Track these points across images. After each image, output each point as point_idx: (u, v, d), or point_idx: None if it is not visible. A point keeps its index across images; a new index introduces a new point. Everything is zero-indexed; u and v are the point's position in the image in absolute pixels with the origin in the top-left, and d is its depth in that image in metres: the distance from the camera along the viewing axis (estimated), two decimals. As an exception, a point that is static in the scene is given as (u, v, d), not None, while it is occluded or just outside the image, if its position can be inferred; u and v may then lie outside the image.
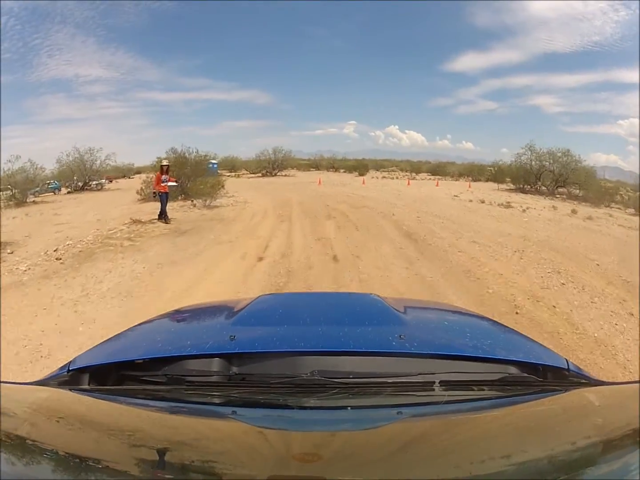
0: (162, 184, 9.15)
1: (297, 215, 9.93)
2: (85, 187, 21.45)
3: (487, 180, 26.91)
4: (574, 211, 12.44)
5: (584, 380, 0.91)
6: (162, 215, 9.00)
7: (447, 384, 0.81)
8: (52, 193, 21.37)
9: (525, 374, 0.88)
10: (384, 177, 31.00)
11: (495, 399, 0.82)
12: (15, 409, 0.73)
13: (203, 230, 7.87)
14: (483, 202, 13.12)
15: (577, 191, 18.47)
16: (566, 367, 0.91)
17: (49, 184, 22.37)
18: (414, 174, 36.19)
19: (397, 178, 30.09)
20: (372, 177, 28.43)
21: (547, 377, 0.90)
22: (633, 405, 0.73)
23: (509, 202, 12.94)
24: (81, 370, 0.88)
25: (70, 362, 0.91)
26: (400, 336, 0.88)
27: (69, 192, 21.25)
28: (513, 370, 0.88)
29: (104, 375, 0.88)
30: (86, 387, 0.86)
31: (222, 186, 13.63)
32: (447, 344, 0.93)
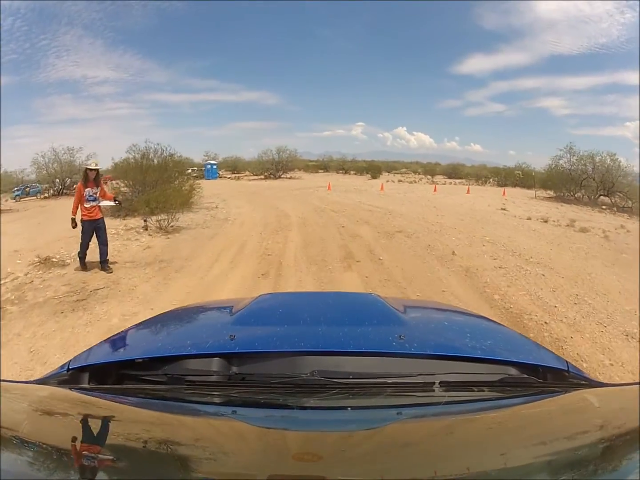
0: (86, 205, 4.96)
1: (294, 255, 6.04)
2: (65, 192, 18.92)
3: (515, 185, 24.35)
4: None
5: (583, 382, 0.91)
6: (82, 258, 5.25)
7: (447, 385, 0.81)
8: (35, 197, 19.55)
9: (525, 375, 0.88)
10: (399, 180, 28.21)
11: (495, 399, 0.82)
12: (15, 408, 0.74)
13: (115, 296, 4.39)
14: (546, 221, 10.07)
15: (625, 201, 15.42)
16: (566, 369, 0.91)
17: (29, 187, 20.59)
18: (429, 177, 33.41)
19: (414, 182, 27.28)
20: (388, 181, 25.56)
21: (547, 378, 0.90)
22: (633, 406, 0.73)
23: (574, 221, 9.94)
24: (81, 369, 0.88)
25: (70, 360, 0.91)
26: (400, 336, 0.88)
27: (44, 198, 19.00)
28: (513, 371, 0.88)
29: (104, 374, 0.88)
30: (86, 386, 0.86)
31: (186, 202, 10.02)
32: (447, 344, 0.93)
